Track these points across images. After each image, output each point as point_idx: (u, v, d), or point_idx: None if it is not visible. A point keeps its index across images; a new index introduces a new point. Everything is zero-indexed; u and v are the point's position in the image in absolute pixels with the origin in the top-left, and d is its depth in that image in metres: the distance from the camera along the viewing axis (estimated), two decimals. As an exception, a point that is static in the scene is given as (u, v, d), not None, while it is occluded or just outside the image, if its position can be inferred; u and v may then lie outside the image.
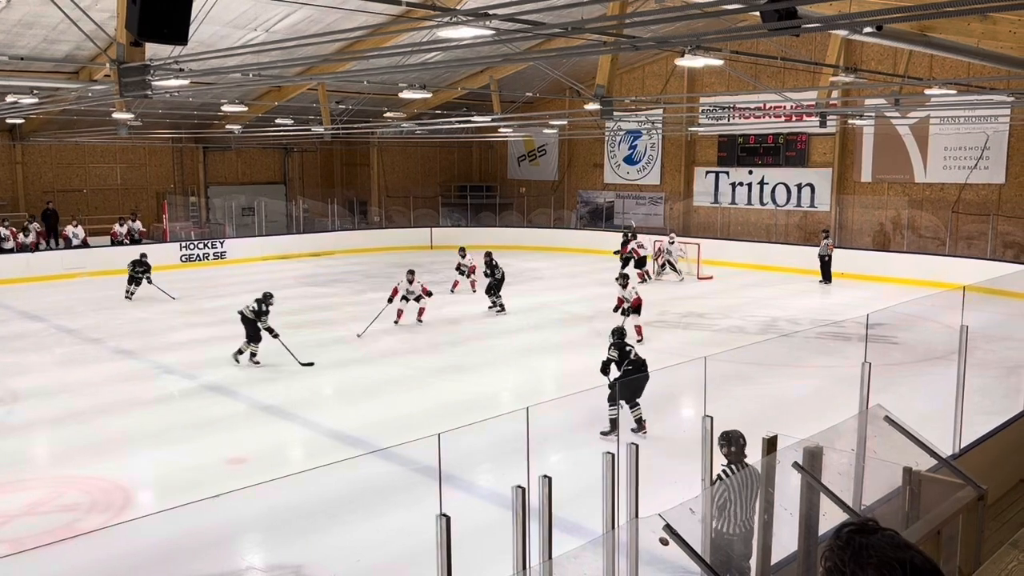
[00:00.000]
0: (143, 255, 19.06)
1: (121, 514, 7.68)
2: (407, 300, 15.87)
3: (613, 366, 9.76)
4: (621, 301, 14.57)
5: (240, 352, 12.95)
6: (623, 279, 15.02)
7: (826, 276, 20.95)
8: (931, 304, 14.32)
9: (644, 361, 9.77)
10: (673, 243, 22.38)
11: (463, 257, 19.48)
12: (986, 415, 7.78)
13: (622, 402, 9.29)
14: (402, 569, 6.69)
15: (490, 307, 17.22)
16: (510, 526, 4.16)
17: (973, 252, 21.10)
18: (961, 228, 21.96)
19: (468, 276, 19.15)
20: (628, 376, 9.55)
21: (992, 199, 21.55)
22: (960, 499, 4.83)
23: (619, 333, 9.98)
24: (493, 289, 17.34)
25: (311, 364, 12.73)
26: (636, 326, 14.12)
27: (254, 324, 12.88)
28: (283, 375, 12.39)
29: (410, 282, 15.86)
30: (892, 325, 14.87)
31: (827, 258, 20.99)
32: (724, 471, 5.52)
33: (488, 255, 17.85)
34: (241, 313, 13.01)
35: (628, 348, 9.79)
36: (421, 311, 16.12)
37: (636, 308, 14.29)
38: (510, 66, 23.16)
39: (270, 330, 12.86)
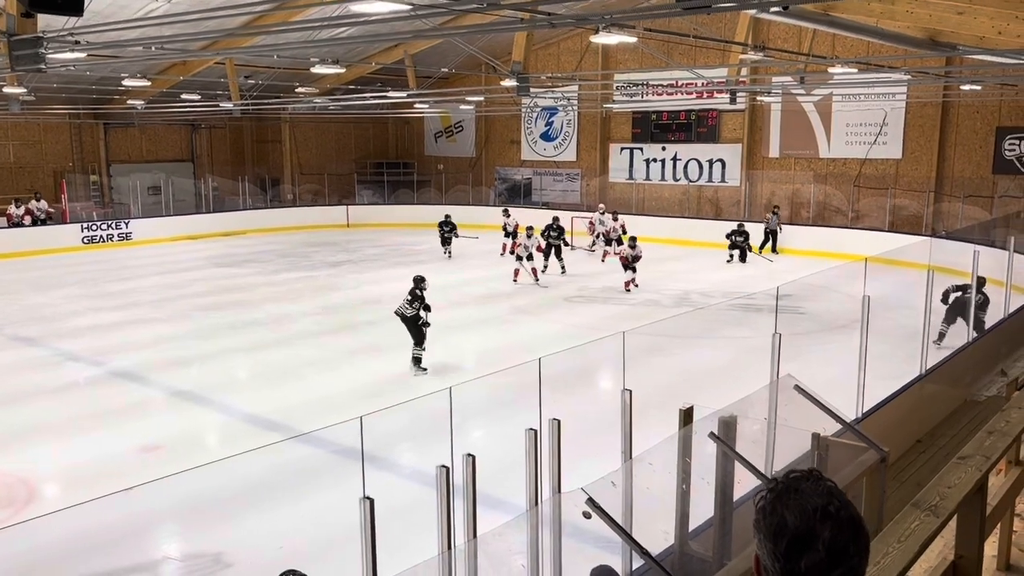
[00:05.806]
0: (447, 216, 22.10)
1: (25, 510, 7.35)
2: (521, 259, 18.01)
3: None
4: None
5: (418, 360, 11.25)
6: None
7: (774, 249, 21.81)
8: (836, 275, 14.90)
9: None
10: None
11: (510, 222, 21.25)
12: (887, 380, 8.18)
13: None
14: (326, 552, 6.62)
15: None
16: (435, 505, 4.16)
17: (873, 224, 22.10)
18: (862, 201, 22.93)
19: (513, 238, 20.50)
20: None
21: (890, 173, 22.55)
22: (864, 462, 5.08)
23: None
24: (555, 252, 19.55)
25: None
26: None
27: (415, 321, 11.20)
28: (196, 359, 12.04)
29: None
30: (800, 296, 15.44)
31: (772, 232, 21.93)
32: None
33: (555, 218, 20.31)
34: (400, 314, 11.29)
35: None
36: (534, 271, 18.31)
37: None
38: (425, 41, 22.85)
39: (425, 323, 11.20)
